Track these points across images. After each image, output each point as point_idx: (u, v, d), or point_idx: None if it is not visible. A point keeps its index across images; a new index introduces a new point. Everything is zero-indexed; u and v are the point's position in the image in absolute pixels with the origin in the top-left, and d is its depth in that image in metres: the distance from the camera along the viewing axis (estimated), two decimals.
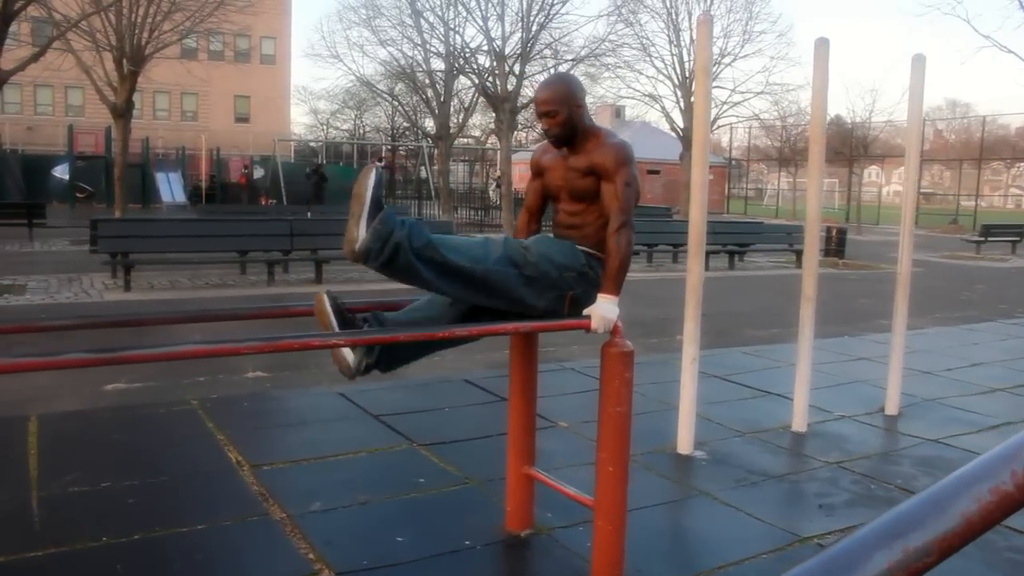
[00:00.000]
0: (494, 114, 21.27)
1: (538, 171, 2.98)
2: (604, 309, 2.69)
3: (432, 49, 22.02)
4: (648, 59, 31.73)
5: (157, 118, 39.43)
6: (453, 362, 6.13)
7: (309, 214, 16.60)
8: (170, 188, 29.34)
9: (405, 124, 40.23)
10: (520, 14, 19.94)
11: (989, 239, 20.31)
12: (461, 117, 24.68)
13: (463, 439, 4.33)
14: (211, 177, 32.17)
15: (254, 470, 3.78)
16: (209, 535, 3.11)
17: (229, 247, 11.09)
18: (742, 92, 32.87)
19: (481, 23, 20.38)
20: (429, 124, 30.20)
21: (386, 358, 2.70)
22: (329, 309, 2.56)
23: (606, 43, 23.08)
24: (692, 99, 25.80)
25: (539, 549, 3.11)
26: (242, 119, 42.67)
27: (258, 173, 32.43)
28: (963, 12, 70.92)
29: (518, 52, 20.02)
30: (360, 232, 2.41)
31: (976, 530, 0.70)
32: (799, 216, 28.39)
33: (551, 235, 2.90)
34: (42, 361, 2.01)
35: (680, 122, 31.34)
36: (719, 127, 35.48)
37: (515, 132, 25.38)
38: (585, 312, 2.73)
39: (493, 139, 34.74)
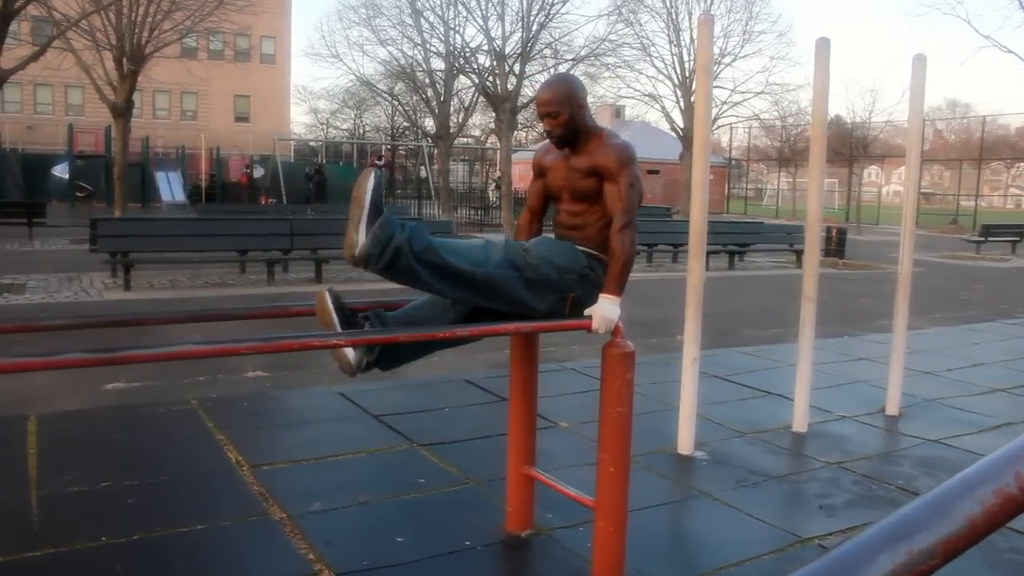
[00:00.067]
0: (494, 114, 21.29)
1: (540, 171, 2.98)
2: (605, 309, 2.68)
3: (432, 49, 22.06)
4: (648, 59, 31.83)
5: (157, 117, 39.43)
6: (453, 362, 6.12)
7: (310, 211, 16.59)
8: (170, 187, 29.36)
9: (405, 124, 40.25)
10: (520, 14, 19.97)
11: (989, 239, 20.32)
12: (461, 117, 24.70)
13: (463, 439, 4.33)
14: (211, 176, 32.18)
15: (254, 470, 3.77)
16: (209, 535, 3.11)
17: (229, 246, 11.09)
18: (742, 92, 32.98)
19: (481, 23, 20.43)
20: (429, 124, 30.22)
21: (387, 357, 2.70)
22: (331, 307, 2.56)
23: (606, 43, 23.16)
24: (692, 99, 25.98)
25: (539, 550, 3.11)
26: (242, 118, 42.66)
27: (258, 172, 32.44)
28: (963, 12, 70.97)
29: (518, 52, 20.03)
30: (360, 237, 2.39)
31: (980, 532, 0.70)
32: (799, 216, 28.42)
33: (552, 236, 2.89)
34: (42, 361, 2.00)
35: (680, 122, 31.38)
36: (719, 127, 35.51)
37: (515, 132, 25.39)
38: (586, 312, 2.72)
39: (493, 139, 34.73)
